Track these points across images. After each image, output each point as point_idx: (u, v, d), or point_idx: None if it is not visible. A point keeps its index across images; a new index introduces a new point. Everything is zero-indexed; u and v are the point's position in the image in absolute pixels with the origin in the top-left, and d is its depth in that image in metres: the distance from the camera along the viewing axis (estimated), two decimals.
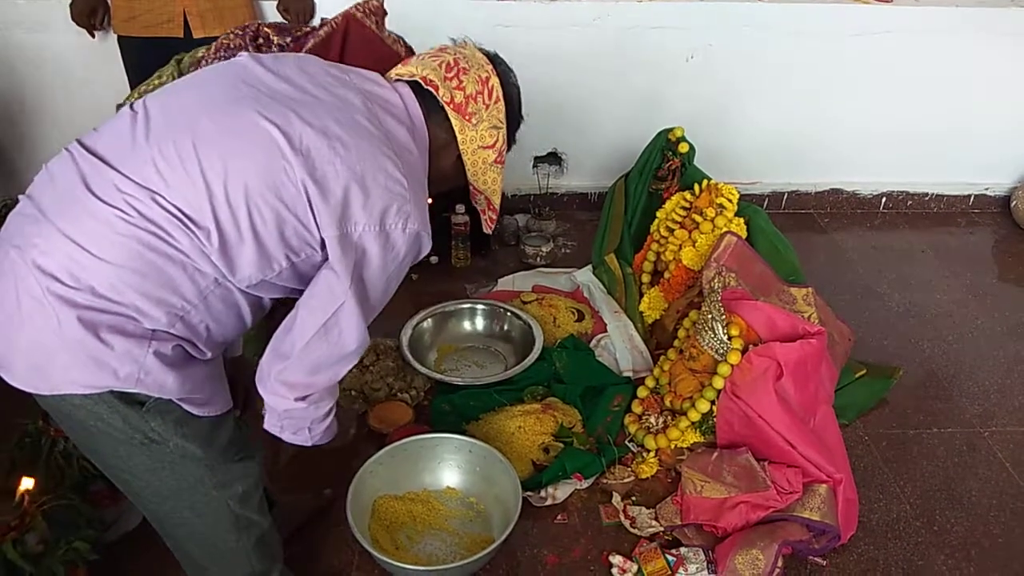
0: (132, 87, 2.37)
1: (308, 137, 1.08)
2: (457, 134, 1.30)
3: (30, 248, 1.02)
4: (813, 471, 1.72)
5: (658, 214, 2.44)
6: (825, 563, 1.72)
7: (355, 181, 1.10)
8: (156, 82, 1.93)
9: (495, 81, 1.31)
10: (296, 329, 1.16)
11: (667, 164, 2.53)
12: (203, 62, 1.85)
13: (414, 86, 1.28)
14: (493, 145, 1.33)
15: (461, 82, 1.28)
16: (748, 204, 2.28)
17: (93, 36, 2.56)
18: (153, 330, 1.06)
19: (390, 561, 1.54)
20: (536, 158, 3.10)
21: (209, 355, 1.16)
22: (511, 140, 1.40)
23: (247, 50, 1.75)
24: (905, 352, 2.41)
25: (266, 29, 1.96)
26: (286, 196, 1.07)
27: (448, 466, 1.81)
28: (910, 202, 3.33)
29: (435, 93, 1.27)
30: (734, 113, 3.04)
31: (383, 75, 1.31)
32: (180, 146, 1.05)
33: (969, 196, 3.33)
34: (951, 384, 2.29)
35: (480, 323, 2.41)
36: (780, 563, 1.62)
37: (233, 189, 1.04)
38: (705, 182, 2.32)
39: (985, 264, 2.99)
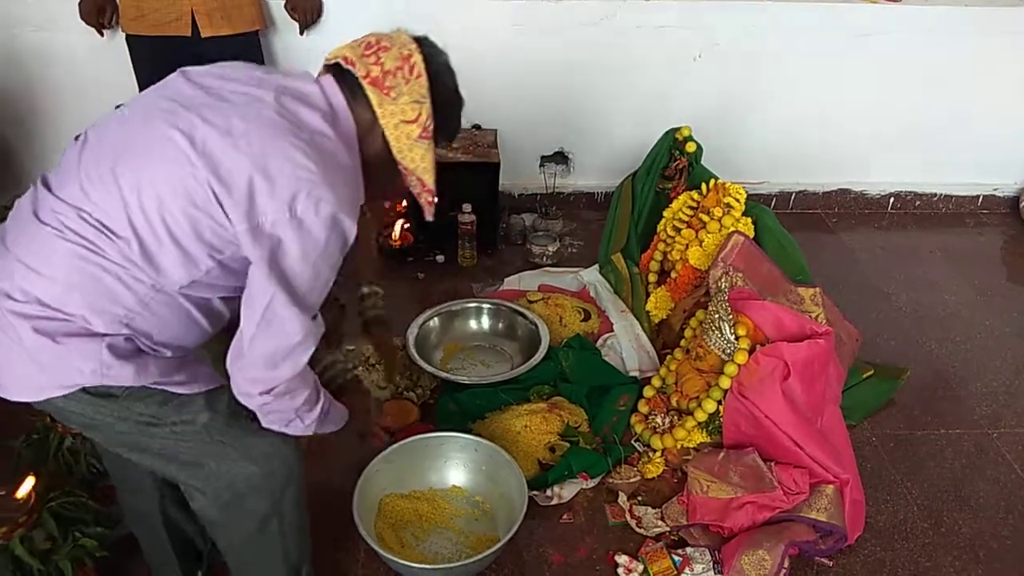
0: (140, 86, 2.38)
1: (211, 139, 1.11)
2: (376, 108, 1.26)
3: None
4: (820, 471, 1.71)
5: (665, 213, 2.43)
6: (832, 564, 1.71)
7: (258, 172, 1.11)
8: None
9: (417, 58, 1.26)
10: (243, 326, 1.19)
11: (674, 163, 2.52)
12: None
13: (336, 69, 1.26)
14: (416, 119, 1.27)
15: (379, 58, 1.25)
16: (755, 204, 2.27)
17: (102, 35, 2.57)
18: (104, 332, 1.14)
19: (396, 559, 1.54)
20: (543, 157, 3.10)
21: (169, 354, 1.21)
22: (456, 122, 1.36)
23: None
24: (913, 353, 2.40)
25: None
26: (198, 199, 1.11)
27: (454, 465, 1.81)
28: (918, 202, 3.32)
29: (352, 70, 1.25)
30: (741, 113, 3.03)
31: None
32: (102, 166, 1.12)
33: (978, 196, 3.32)
34: (959, 385, 2.28)
35: (486, 322, 2.40)
36: (786, 564, 1.62)
37: (146, 198, 1.10)
38: (712, 181, 2.31)
39: (993, 265, 2.98)
